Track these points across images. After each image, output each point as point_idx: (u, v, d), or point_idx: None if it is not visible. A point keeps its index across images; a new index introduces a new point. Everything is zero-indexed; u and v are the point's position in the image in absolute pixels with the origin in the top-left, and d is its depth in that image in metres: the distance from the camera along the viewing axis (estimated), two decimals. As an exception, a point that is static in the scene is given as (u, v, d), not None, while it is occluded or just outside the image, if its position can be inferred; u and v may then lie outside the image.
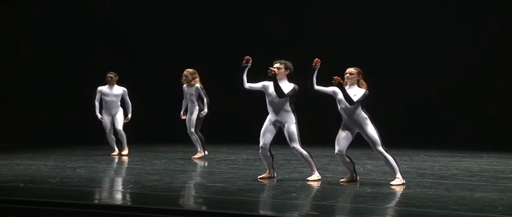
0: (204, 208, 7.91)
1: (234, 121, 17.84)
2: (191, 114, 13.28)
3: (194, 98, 13.24)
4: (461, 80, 17.09)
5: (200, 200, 8.53)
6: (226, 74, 17.37)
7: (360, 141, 10.37)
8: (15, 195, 8.43)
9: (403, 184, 9.39)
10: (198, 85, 13.21)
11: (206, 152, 13.37)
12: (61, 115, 17.13)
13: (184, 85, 13.37)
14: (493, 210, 7.52)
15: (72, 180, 9.79)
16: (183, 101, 13.46)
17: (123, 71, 14.53)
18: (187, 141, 13.78)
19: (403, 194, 8.80)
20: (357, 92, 9.42)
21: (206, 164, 12.57)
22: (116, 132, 13.72)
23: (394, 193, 8.89)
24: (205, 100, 13.17)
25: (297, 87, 9.78)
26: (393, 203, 8.31)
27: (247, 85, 9.94)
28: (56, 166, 11.76)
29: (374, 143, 9.42)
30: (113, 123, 13.70)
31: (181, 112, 13.47)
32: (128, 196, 8.88)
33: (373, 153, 13.24)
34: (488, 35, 16.94)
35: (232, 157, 13.51)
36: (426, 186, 9.41)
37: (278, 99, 9.71)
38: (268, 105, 9.88)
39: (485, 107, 16.91)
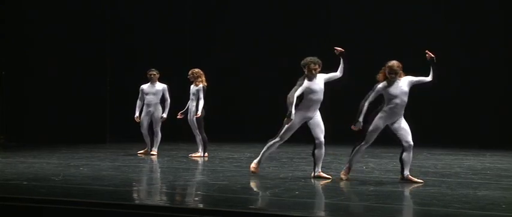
0: (206, 206, 7.91)
1: (237, 119, 17.84)
2: (191, 114, 13.23)
3: (195, 98, 13.18)
4: (466, 78, 17.05)
5: (203, 198, 8.53)
6: (230, 71, 17.47)
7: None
8: (18, 193, 8.43)
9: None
10: (201, 85, 13.16)
11: (206, 154, 13.28)
12: (63, 114, 17.10)
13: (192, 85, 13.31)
14: (496, 208, 7.51)
15: (75, 178, 9.80)
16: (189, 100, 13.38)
17: (126, 69, 14.48)
18: (189, 139, 13.80)
19: (406, 192, 8.79)
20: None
21: (206, 160, 12.64)
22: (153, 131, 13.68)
23: (397, 191, 8.89)
24: (200, 102, 13.08)
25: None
26: (396, 201, 8.30)
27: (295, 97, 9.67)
28: (59, 164, 11.77)
29: None
30: (150, 122, 13.65)
31: (180, 112, 13.38)
32: (131, 194, 8.88)
33: (375, 151, 13.25)
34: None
35: (235, 156, 13.51)
36: (429, 184, 9.40)
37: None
38: (314, 102, 9.80)
39: (489, 105, 16.89)
